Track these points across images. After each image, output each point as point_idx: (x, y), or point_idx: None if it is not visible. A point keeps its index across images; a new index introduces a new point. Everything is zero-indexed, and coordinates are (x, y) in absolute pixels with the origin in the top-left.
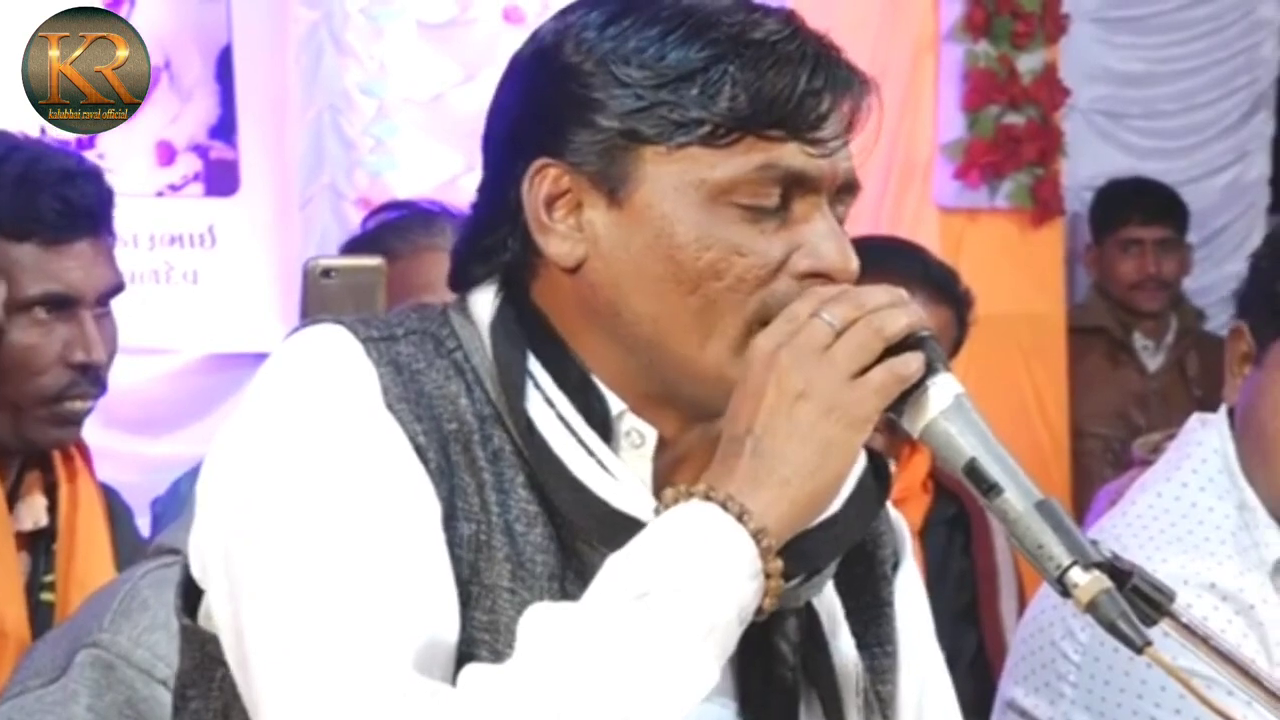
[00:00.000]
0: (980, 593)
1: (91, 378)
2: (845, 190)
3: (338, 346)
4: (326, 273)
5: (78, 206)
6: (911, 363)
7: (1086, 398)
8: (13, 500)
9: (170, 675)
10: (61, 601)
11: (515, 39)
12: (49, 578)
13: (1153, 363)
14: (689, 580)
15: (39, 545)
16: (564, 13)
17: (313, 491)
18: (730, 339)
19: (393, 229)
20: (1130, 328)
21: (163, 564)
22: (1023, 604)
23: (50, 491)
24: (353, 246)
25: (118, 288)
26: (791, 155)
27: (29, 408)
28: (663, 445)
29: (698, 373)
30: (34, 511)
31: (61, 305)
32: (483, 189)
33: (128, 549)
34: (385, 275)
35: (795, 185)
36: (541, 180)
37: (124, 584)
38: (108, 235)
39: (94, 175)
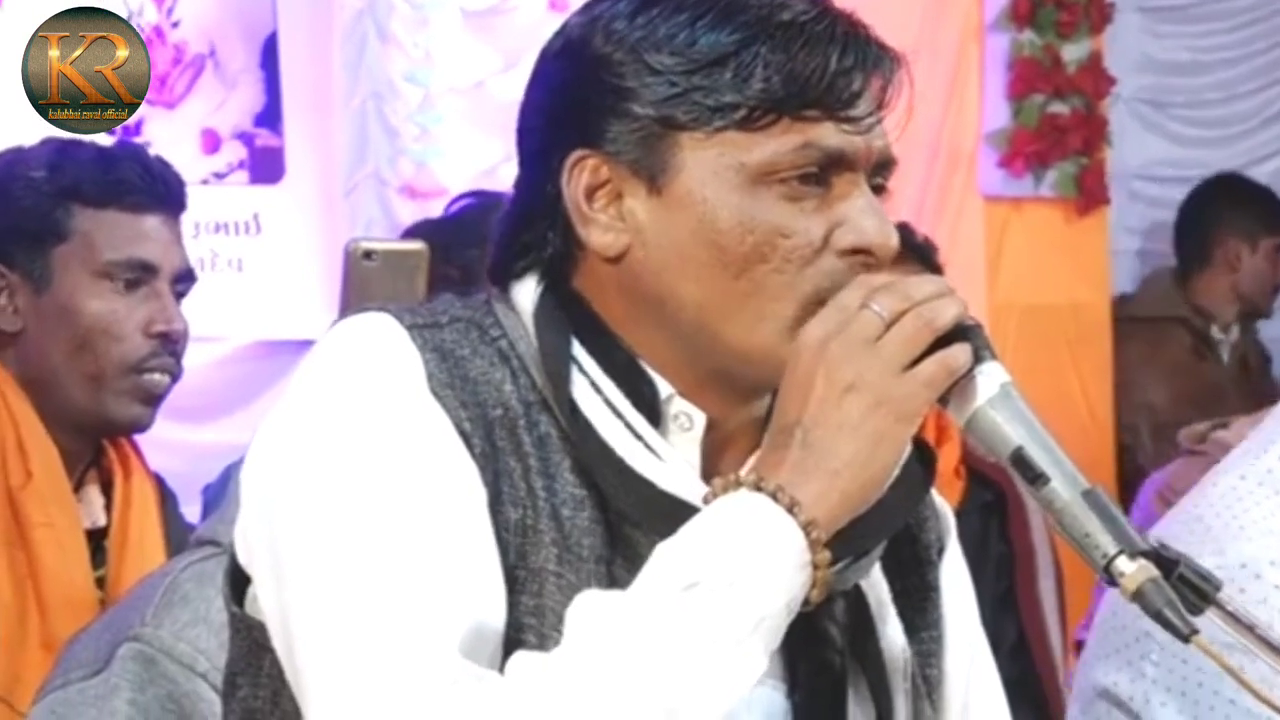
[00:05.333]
0: (1018, 577)
1: (170, 349)
2: (882, 166)
3: (382, 333)
4: (368, 255)
5: (158, 175)
6: (960, 355)
7: (1169, 387)
8: None
9: (211, 669)
10: (111, 597)
11: (557, 27)
12: (99, 572)
13: (1226, 355)
14: (738, 571)
15: (92, 541)
16: (591, 5)
17: (358, 476)
18: (785, 320)
19: (483, 213)
20: (1210, 320)
21: (204, 556)
22: (1061, 587)
23: (106, 488)
24: (440, 228)
25: (190, 274)
26: (828, 134)
27: (110, 378)
28: (710, 427)
29: (750, 354)
30: (92, 511)
31: (142, 274)
32: (520, 183)
33: (176, 536)
34: (427, 259)
35: (833, 164)
36: (580, 171)
37: (165, 577)
38: (179, 221)
39: (168, 163)
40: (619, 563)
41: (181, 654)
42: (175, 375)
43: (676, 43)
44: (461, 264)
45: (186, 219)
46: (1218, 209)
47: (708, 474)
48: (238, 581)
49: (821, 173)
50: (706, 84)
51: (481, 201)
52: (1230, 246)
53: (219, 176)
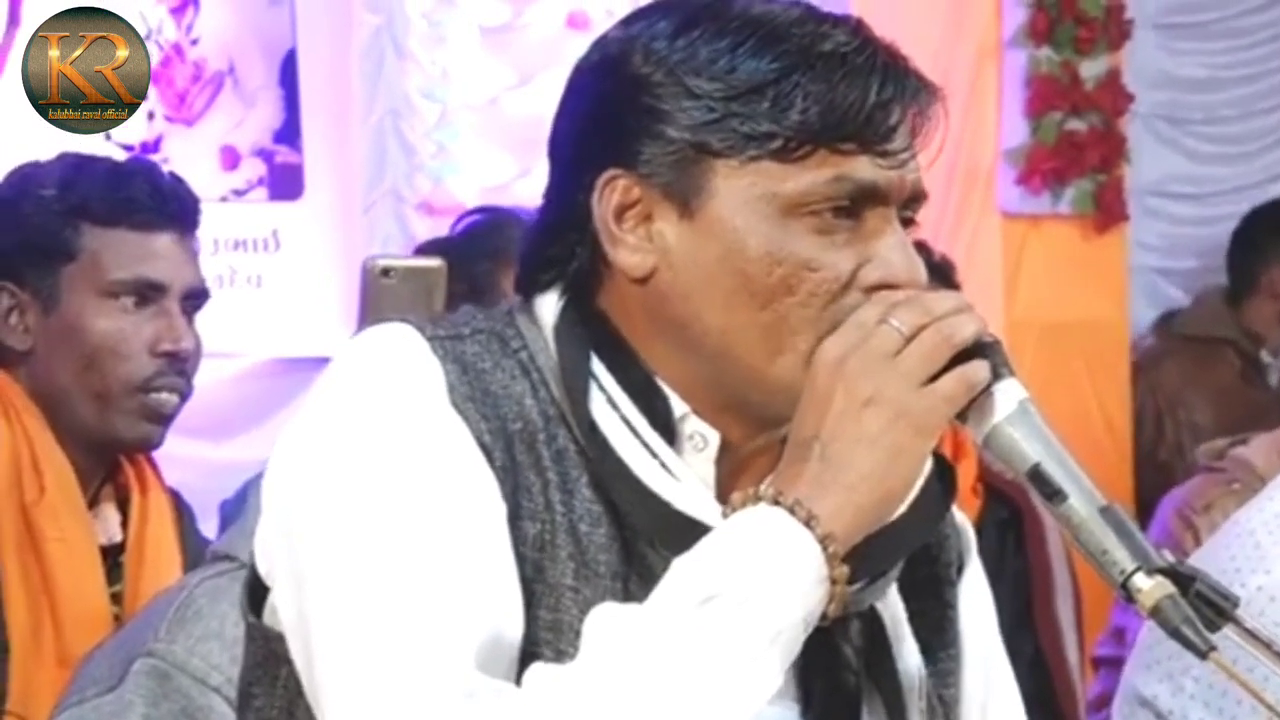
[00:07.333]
0: (1035, 593)
1: (178, 369)
2: (913, 200)
3: (403, 344)
4: (386, 272)
5: (168, 194)
6: (980, 370)
7: (1215, 408)
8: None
9: (224, 683)
10: (128, 613)
11: (574, 43)
12: (116, 588)
13: (1275, 379)
14: (756, 585)
15: (108, 557)
16: (629, 21)
17: (378, 487)
18: (803, 354)
19: (491, 228)
20: (1259, 343)
21: (218, 572)
22: (1078, 603)
23: (122, 504)
24: (448, 245)
25: (203, 291)
26: (863, 168)
27: (116, 397)
28: (726, 450)
29: (767, 384)
30: (108, 527)
31: (150, 292)
32: (549, 196)
33: (193, 552)
34: (445, 276)
35: (866, 198)
36: (611, 191)
37: (180, 592)
38: (192, 238)
39: (181, 180)
40: (634, 579)
41: (195, 669)
42: (184, 394)
43: (716, 68)
44: (469, 278)
45: (205, 236)
46: (1264, 237)
47: (723, 496)
48: (256, 592)
49: (853, 205)
50: (744, 111)
51: (489, 217)
52: (1275, 275)
53: (238, 193)
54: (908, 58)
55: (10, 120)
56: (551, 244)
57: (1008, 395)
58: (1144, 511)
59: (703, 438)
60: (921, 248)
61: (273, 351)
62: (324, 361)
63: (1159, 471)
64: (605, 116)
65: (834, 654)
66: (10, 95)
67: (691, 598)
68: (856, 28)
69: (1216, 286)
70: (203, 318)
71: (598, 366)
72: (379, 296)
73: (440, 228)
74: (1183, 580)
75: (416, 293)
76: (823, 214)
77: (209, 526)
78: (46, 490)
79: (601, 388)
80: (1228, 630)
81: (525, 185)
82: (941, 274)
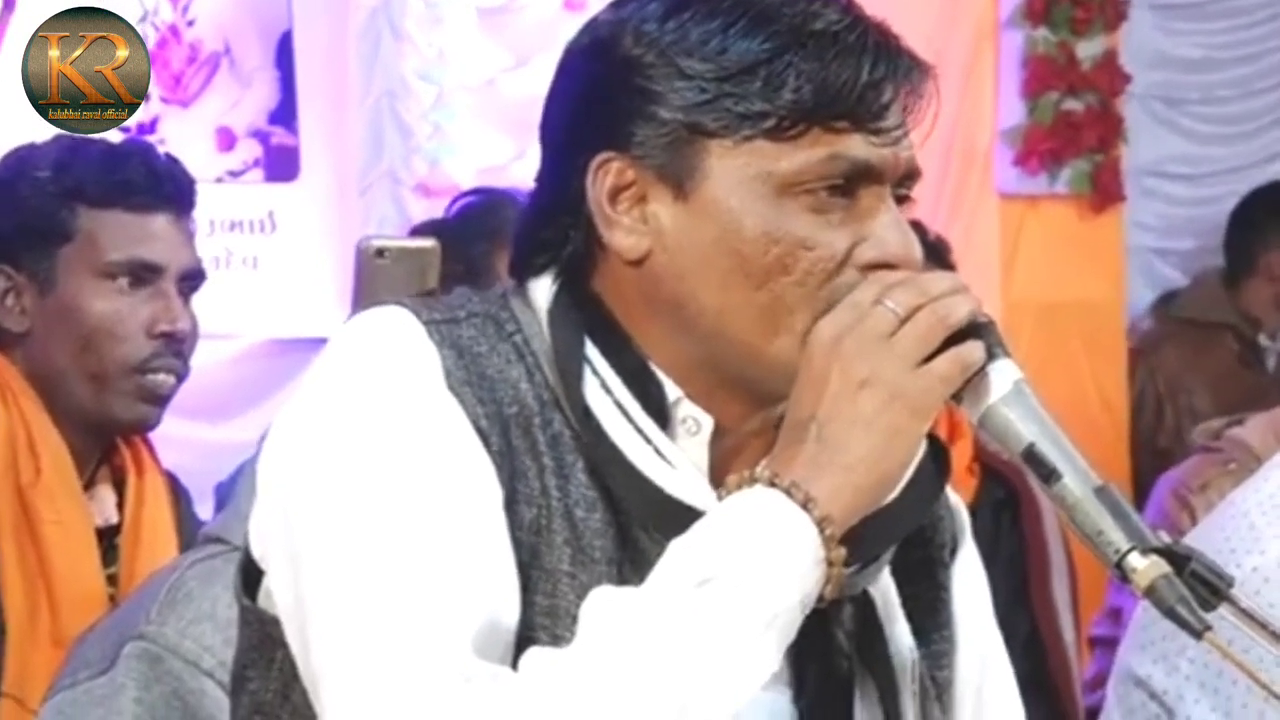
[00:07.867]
0: (1031, 574)
1: (175, 350)
2: (907, 178)
3: (400, 328)
4: (380, 252)
5: (164, 175)
6: (975, 351)
7: (1215, 393)
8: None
9: (216, 666)
10: (124, 595)
11: (571, 25)
12: (111, 570)
13: (1272, 363)
14: (752, 568)
15: (104, 539)
16: (620, 4)
17: (376, 472)
18: (799, 333)
19: (486, 209)
20: (1258, 327)
21: (209, 554)
22: (1074, 583)
23: (119, 486)
24: (444, 226)
25: (199, 273)
26: (856, 146)
27: (113, 379)
28: (720, 433)
29: (765, 361)
30: (104, 509)
31: (146, 274)
32: (542, 179)
33: (189, 534)
34: (439, 257)
35: (860, 176)
36: (605, 174)
37: (171, 574)
38: (188, 219)
39: (177, 161)
40: (628, 565)
41: (187, 651)
42: (181, 375)
43: (708, 49)
44: (465, 260)
45: (201, 217)
46: (1262, 219)
47: (717, 481)
48: (250, 575)
49: (848, 184)
50: (737, 92)
51: (485, 199)
52: (1273, 258)
53: (234, 174)
54: (899, 36)
55: (4, 103)
56: (545, 227)
57: (1003, 375)
58: (1142, 496)
59: (696, 422)
60: (916, 227)
61: (269, 332)
62: (320, 342)
63: (1158, 457)
64: (597, 99)
65: (826, 638)
66: (3, 80)
67: (688, 580)
68: (847, 6)
69: (1214, 269)
70: (199, 299)
71: (592, 351)
72: (373, 277)
73: (436, 209)
74: (1178, 560)
75: (411, 273)
76: (818, 193)
77: (205, 508)
78: (43, 472)
79: (595, 372)
80: (1223, 610)
81: (522, 167)
82: (936, 254)
